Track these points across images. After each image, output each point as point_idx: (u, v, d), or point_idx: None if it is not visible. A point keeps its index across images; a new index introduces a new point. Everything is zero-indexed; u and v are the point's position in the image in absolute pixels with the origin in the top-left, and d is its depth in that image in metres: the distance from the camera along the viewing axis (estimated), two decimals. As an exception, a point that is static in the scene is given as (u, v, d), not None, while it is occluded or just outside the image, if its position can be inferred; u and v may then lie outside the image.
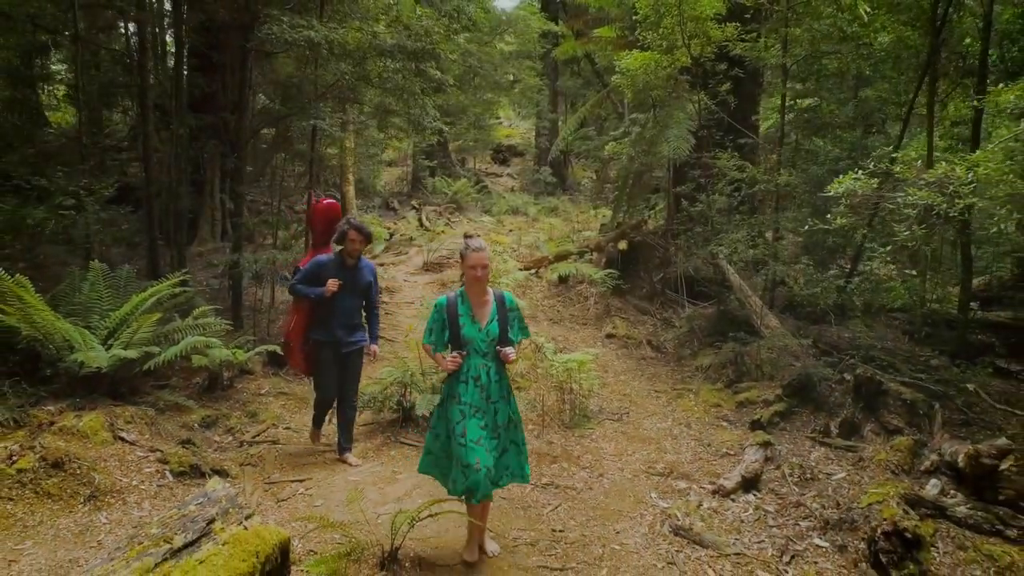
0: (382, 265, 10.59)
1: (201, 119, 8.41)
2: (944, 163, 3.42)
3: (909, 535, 3.31)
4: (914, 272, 6.66)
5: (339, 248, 4.27)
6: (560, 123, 18.89)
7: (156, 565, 2.10)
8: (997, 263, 8.49)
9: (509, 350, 2.97)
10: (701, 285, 8.11)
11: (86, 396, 4.37)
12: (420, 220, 13.55)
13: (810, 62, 8.11)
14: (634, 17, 7.03)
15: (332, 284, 4.13)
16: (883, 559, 3.34)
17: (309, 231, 4.57)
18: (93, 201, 5.94)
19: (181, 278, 5.12)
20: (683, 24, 6.48)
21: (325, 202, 4.64)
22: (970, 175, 3.16)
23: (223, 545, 2.37)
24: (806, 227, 5.34)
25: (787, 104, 8.59)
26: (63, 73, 12.46)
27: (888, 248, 4.59)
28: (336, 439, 4.50)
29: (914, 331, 6.83)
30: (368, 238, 4.32)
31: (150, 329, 4.54)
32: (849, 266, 7.60)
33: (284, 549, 2.70)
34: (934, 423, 5.30)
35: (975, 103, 5.82)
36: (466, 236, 3.12)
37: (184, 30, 7.58)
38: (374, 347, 4.43)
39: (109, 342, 4.49)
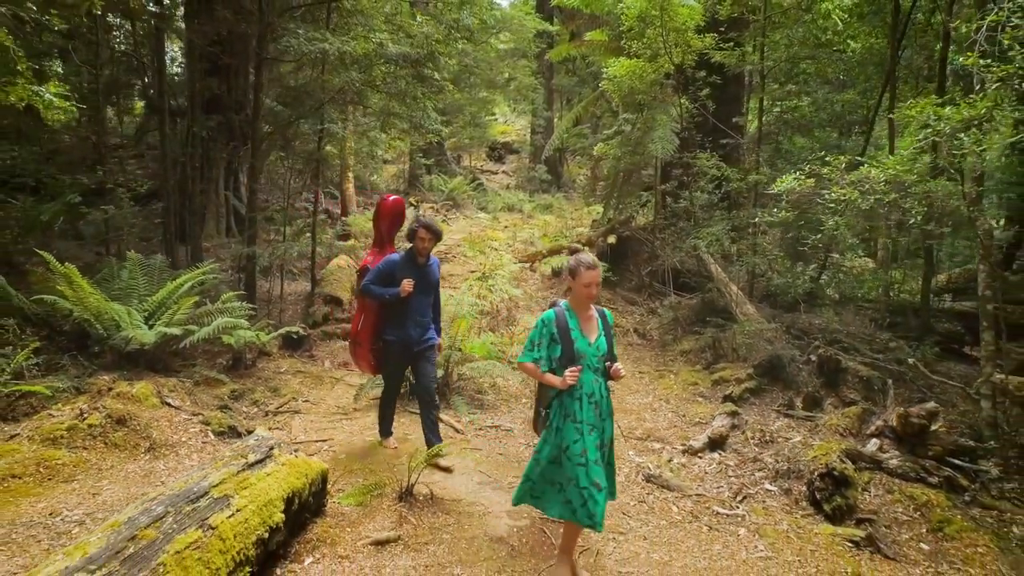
0: (382, 260, 11.31)
1: (210, 119, 9.11)
2: (864, 166, 4.21)
3: (838, 474, 4.09)
4: (877, 264, 7.48)
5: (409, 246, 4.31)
6: (555, 121, 19.66)
7: (238, 472, 2.85)
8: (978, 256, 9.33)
9: (620, 366, 3.01)
10: (685, 277, 8.90)
11: (131, 369, 5.12)
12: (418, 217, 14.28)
13: (790, 65, 8.91)
14: (620, 28, 7.82)
15: (408, 284, 4.12)
16: (818, 496, 4.12)
17: (375, 229, 4.59)
18: (129, 198, 6.60)
19: (210, 267, 5.86)
20: (665, 34, 7.25)
21: (391, 199, 4.58)
22: (882, 176, 3.94)
23: (282, 466, 3.12)
24: (755, 219, 6.10)
25: (770, 105, 9.39)
26: (64, 73, 13.11)
27: (819, 236, 5.33)
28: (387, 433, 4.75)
29: (879, 319, 7.62)
30: (438, 236, 4.31)
31: (188, 311, 5.28)
32: (830, 259, 8.40)
33: (324, 477, 3.47)
34: (887, 396, 6.11)
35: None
36: (574, 251, 2.98)
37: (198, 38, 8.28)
38: (439, 340, 4.46)
39: (150, 322, 5.23)
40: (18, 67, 3.24)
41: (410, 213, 14.93)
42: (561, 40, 16.39)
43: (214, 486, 2.67)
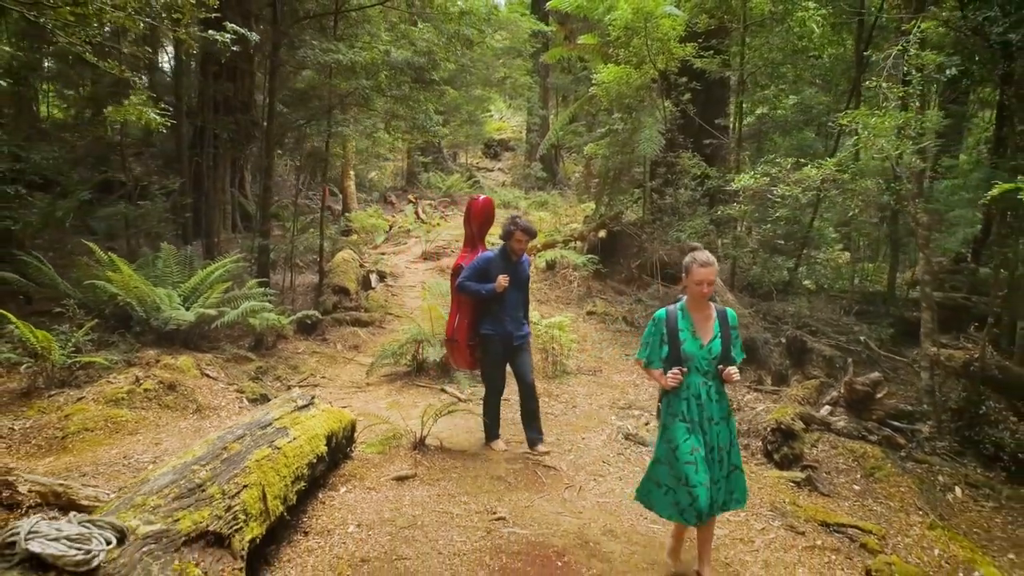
0: (384, 255, 12.16)
1: (229, 120, 9.91)
2: (807, 167, 5.06)
3: (786, 429, 4.96)
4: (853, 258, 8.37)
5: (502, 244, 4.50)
6: (551, 119, 20.50)
7: (291, 412, 3.68)
8: (958, 249, 10.28)
9: (733, 370, 2.96)
10: (671, 269, 9.76)
11: (168, 347, 5.94)
12: (417, 213, 15.13)
13: (771, 69, 9.78)
14: (607, 38, 8.67)
15: (503, 280, 4.32)
16: (769, 448, 4.98)
17: (466, 229, 4.87)
18: (163, 195, 7.40)
19: (237, 256, 6.69)
20: (649, 43, 8.11)
21: (481, 200, 4.83)
22: (819, 175, 4.78)
23: (322, 411, 3.96)
24: (720, 211, 6.96)
25: (753, 107, 10.27)
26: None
27: (768, 226, 6.19)
28: (520, 434, 4.84)
29: (847, 306, 8.51)
30: (533, 236, 4.52)
31: (220, 295, 6.11)
32: (805, 252, 9.29)
33: (353, 425, 4.32)
34: (847, 373, 6.98)
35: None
36: (691, 248, 3.06)
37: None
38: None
39: (186, 305, 6.05)
40: (139, 95, 4.06)
41: (409, 209, 15.77)
42: (556, 41, 17.21)
43: (276, 419, 3.50)
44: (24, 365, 5.29)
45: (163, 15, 3.58)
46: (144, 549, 2.22)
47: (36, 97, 14.61)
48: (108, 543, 2.07)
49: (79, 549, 1.98)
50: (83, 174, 10.45)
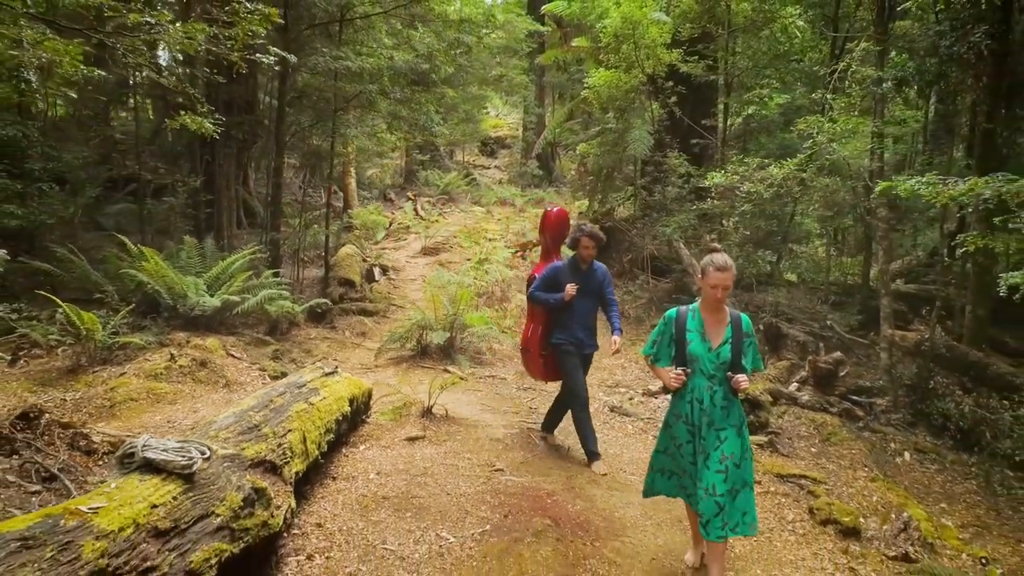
0: (385, 250, 12.87)
1: (233, 121, 10.58)
2: (771, 167, 5.78)
3: (752, 399, 5.68)
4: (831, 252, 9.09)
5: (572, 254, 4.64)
6: (547, 117, 21.21)
7: (320, 376, 4.39)
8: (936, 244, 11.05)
9: (742, 378, 2.90)
10: (660, 263, 10.50)
11: (193, 331, 6.63)
12: (416, 210, 15.84)
13: (756, 71, 10.52)
14: (598, 44, 9.40)
15: (571, 288, 4.45)
16: (738, 416, 5.70)
17: (540, 239, 5.06)
18: (184, 192, 8.09)
19: (256, 248, 7.39)
20: (638, 49, 8.84)
21: (555, 211, 4.95)
22: (780, 174, 5.50)
23: (344, 378, 4.67)
24: (695, 206, 7.69)
25: (741, 108, 10.98)
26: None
27: (737, 219, 6.92)
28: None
29: (824, 297, 9.25)
30: (600, 243, 4.60)
31: (242, 283, 6.81)
32: (787, 245, 10.03)
33: (370, 393, 5.03)
34: (818, 355, 7.72)
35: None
36: (712, 250, 3.00)
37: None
38: (616, 337, 4.62)
39: (210, 292, 6.75)
40: (201, 108, 4.74)
41: (408, 206, 16.49)
42: (552, 41, 17.93)
43: (308, 382, 4.21)
44: (62, 347, 5.99)
45: (223, 43, 4.27)
46: (224, 464, 2.93)
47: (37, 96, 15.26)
48: (202, 454, 2.78)
49: (183, 456, 2.69)
50: (88, 172, 11.13)
